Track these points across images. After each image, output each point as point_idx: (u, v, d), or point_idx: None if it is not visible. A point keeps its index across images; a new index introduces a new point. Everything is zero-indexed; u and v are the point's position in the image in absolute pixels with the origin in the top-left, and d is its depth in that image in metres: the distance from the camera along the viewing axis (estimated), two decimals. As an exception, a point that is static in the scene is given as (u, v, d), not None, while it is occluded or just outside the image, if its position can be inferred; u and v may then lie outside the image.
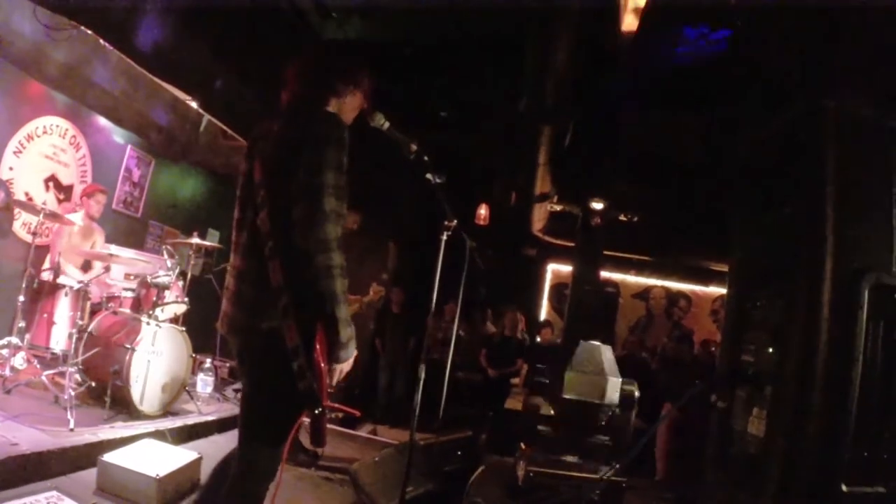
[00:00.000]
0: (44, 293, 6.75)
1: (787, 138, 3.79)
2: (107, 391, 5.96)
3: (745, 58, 5.44)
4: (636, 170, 9.74)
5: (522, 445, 5.41)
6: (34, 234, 6.41)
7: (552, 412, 5.84)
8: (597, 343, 5.60)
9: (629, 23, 6.10)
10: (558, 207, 11.22)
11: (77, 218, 7.18)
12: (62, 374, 5.93)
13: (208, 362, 7.92)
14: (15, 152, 7.65)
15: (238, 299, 2.84)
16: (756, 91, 4.61)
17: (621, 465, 4.70)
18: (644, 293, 13.80)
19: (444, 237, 4.30)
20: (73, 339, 6.06)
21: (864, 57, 3.67)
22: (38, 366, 6.07)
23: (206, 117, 9.18)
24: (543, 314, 13.84)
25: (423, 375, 4.36)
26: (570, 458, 5.28)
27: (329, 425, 2.57)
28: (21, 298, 6.41)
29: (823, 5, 3.69)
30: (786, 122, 3.82)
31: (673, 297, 13.63)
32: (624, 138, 9.17)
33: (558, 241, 12.59)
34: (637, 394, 5.40)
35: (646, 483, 6.98)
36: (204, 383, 7.79)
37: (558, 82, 7.58)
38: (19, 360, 6.21)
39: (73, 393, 5.48)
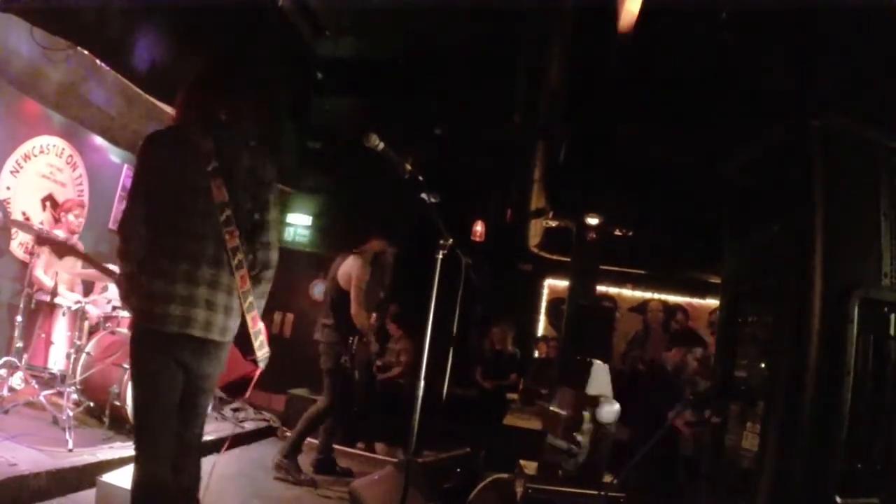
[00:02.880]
0: (41, 313, 6.77)
1: (774, 156, 3.83)
2: (105, 411, 6.00)
3: (734, 75, 5.50)
4: (630, 184, 9.79)
5: (521, 463, 5.43)
6: (31, 253, 6.44)
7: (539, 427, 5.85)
8: (590, 360, 5.61)
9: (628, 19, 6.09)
10: (553, 223, 11.26)
11: (59, 234, 7.18)
12: (60, 394, 5.94)
13: (206, 381, 7.90)
14: (12, 172, 7.69)
15: (206, 302, 3.22)
16: (744, 108, 4.66)
17: (619, 480, 4.72)
18: (641, 307, 13.81)
19: (441, 255, 4.33)
20: (72, 359, 6.10)
21: (851, 75, 3.73)
22: (36, 386, 6.08)
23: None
24: (541, 330, 13.85)
25: (421, 393, 4.39)
26: (564, 473, 5.29)
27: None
28: (19, 318, 6.44)
29: (809, 24, 3.74)
30: (773, 140, 3.86)
31: (670, 309, 13.63)
32: (618, 153, 9.23)
33: (554, 257, 12.63)
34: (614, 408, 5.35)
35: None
36: (201, 403, 7.77)
37: (551, 98, 7.63)
38: (17, 381, 6.24)
39: (71, 413, 5.51)
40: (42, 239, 4.33)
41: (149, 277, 3.16)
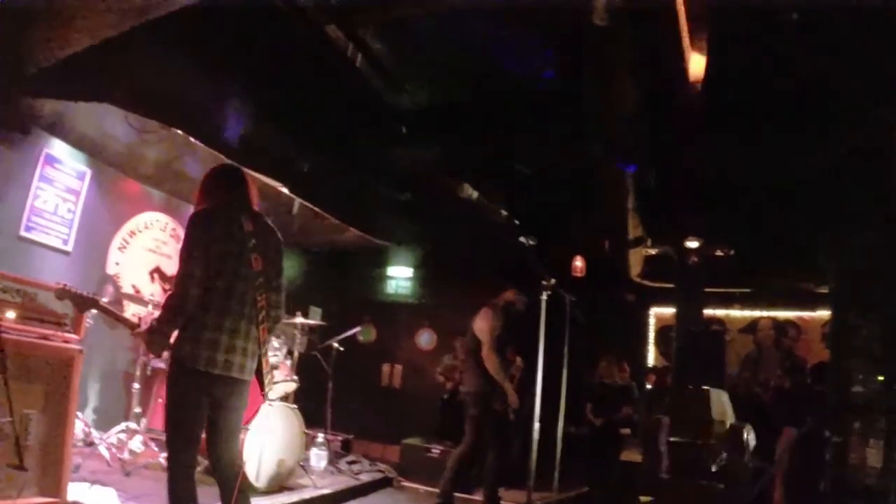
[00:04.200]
0: (157, 379, 7.05)
1: (858, 157, 3.73)
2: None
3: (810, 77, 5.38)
4: (724, 202, 9.59)
5: (642, 498, 5.34)
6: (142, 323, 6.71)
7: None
8: (705, 388, 5.50)
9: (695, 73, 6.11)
10: (653, 251, 11.10)
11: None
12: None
13: (321, 437, 8.06)
14: (119, 248, 8.10)
15: (242, 350, 3.93)
16: (824, 110, 4.55)
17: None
18: (751, 326, 13.40)
19: (545, 297, 4.35)
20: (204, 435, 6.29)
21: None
22: (155, 448, 6.35)
23: (298, 200, 9.45)
24: (651, 360, 13.56)
25: (536, 435, 4.38)
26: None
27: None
28: (136, 385, 6.77)
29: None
30: (856, 141, 3.76)
31: (781, 326, 13.16)
32: (706, 171, 9.08)
33: (658, 284, 12.41)
34: (748, 435, 5.25)
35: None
36: (317, 458, 7.92)
37: (631, 124, 7.59)
38: (137, 444, 6.54)
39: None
40: (62, 293, 4.60)
41: (199, 329, 3.81)
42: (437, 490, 7.02)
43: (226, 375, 3.85)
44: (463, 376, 7.19)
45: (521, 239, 4.22)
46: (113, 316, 4.64)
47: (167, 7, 4.34)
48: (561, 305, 4.80)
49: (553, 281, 4.39)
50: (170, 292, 3.98)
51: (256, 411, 6.39)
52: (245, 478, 6.18)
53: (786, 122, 6.95)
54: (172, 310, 3.86)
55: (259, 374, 4.14)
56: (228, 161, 7.20)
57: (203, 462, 6.24)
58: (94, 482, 5.64)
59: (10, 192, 6.90)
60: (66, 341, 4.89)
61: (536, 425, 4.43)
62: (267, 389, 4.23)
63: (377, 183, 10.54)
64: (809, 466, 6.46)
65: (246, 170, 7.48)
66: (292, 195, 8.71)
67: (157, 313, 4.38)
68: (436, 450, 9.23)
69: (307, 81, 7.93)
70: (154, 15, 4.40)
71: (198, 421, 3.93)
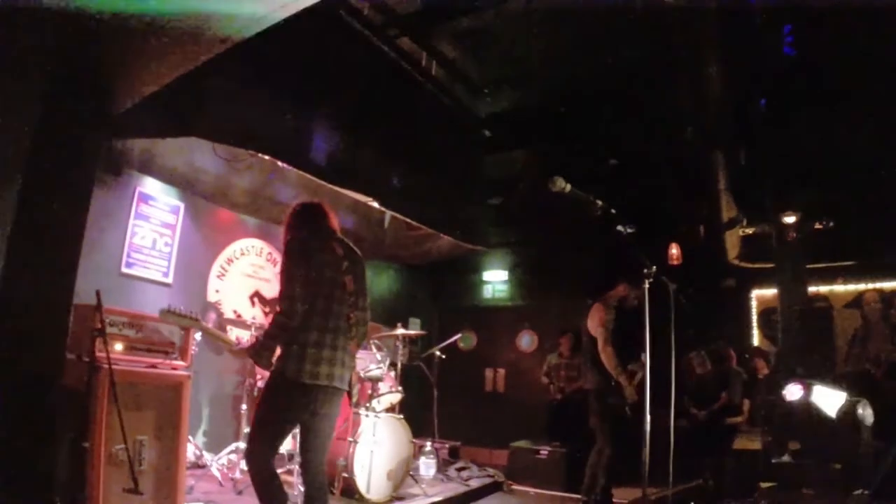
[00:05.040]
0: (264, 400, 7.17)
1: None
2: (335, 483, 6.23)
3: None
4: (820, 173, 9.28)
5: (760, 485, 5.18)
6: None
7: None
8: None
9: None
10: (750, 230, 10.78)
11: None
12: (290, 472, 6.31)
13: (428, 445, 8.10)
14: (218, 276, 8.30)
15: (341, 362, 4.26)
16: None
17: (872, 491, 4.39)
18: (856, 301, 12.91)
19: (647, 285, 4.25)
20: (297, 439, 6.37)
21: None
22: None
23: (388, 213, 9.51)
24: (756, 344, 13.17)
25: (648, 427, 4.29)
26: (807, 492, 5.00)
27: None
28: (244, 407, 6.93)
29: None
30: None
31: (888, 298, 12.65)
32: (799, 144, 8.81)
33: (757, 265, 12.04)
34: (864, 410, 5.02)
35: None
36: (427, 466, 7.98)
37: (718, 104, 7.42)
38: (247, 464, 6.63)
39: (302, 489, 5.72)
40: (166, 314, 4.79)
41: (303, 345, 4.12)
42: (547, 492, 6.96)
43: (327, 385, 4.16)
44: (584, 375, 7.13)
45: (619, 228, 4.11)
46: (214, 335, 4.81)
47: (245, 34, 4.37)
48: (664, 294, 4.67)
49: (654, 268, 4.28)
50: (276, 310, 4.27)
51: (349, 420, 6.58)
52: (356, 489, 6.32)
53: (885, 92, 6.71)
54: (279, 325, 4.17)
55: (348, 386, 4.47)
56: (318, 180, 7.32)
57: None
58: (207, 502, 5.84)
59: (108, 232, 7.17)
60: (174, 368, 5.10)
61: (647, 418, 4.31)
62: (354, 400, 4.76)
63: (467, 189, 10.54)
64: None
65: (335, 187, 7.66)
66: (383, 209, 8.75)
67: (259, 335, 4.51)
68: (544, 451, 9.14)
69: (387, 95, 8.01)
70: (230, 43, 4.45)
71: (283, 429, 4.34)
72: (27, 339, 4.07)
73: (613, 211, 4.08)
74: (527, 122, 11.18)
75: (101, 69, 4.60)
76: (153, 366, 4.93)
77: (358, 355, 7.78)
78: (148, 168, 7.52)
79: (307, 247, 4.38)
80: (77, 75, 4.44)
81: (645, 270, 4.24)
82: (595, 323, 6.81)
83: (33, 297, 4.15)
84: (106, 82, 4.71)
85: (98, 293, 4.33)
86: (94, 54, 4.45)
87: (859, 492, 4.45)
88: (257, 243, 9.10)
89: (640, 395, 6.35)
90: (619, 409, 6.64)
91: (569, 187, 3.93)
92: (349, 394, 4.59)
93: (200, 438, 7.31)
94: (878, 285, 12.55)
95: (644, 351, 4.47)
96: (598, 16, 7.73)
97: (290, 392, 4.15)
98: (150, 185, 7.68)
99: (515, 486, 8.76)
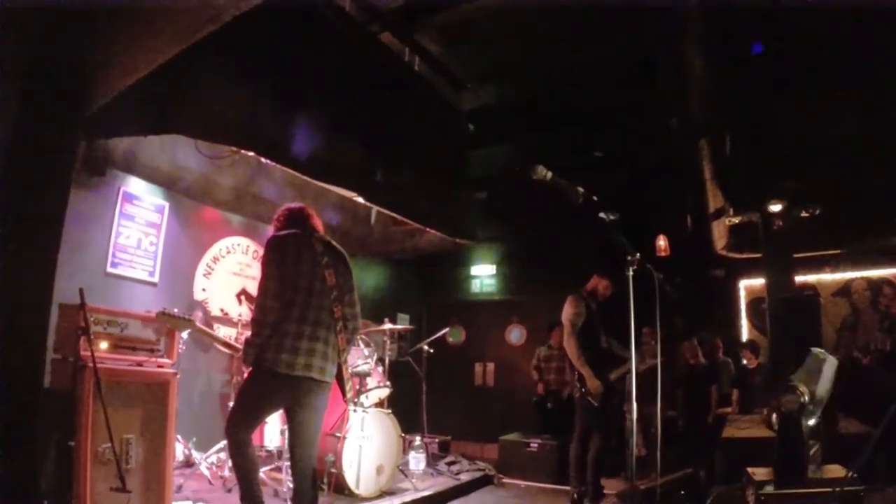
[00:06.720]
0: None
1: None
2: (324, 479, 6.22)
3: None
4: (804, 160, 9.29)
5: (749, 471, 5.18)
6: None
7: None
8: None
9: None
10: (736, 220, 10.78)
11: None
12: (279, 469, 6.38)
13: (418, 440, 8.09)
14: (205, 274, 8.30)
15: (322, 354, 4.37)
16: None
17: (855, 472, 4.39)
18: (844, 289, 12.94)
19: (630, 272, 4.23)
20: (285, 435, 6.38)
21: None
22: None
23: (374, 209, 9.47)
24: (745, 335, 13.18)
25: (634, 419, 4.29)
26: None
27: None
28: (231, 404, 6.84)
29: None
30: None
31: (876, 285, 12.69)
32: (783, 131, 8.82)
33: (745, 256, 12.04)
34: (802, 398, 4.93)
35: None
36: (416, 461, 7.95)
37: (700, 94, 7.42)
38: (237, 461, 6.62)
39: (291, 485, 5.72)
40: (162, 317, 4.86)
41: (281, 337, 4.26)
42: (538, 485, 6.99)
43: (304, 376, 4.28)
44: (568, 369, 7.23)
45: (602, 214, 4.10)
46: (210, 337, 4.86)
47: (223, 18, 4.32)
48: (650, 284, 4.64)
49: (638, 255, 4.26)
50: (252, 313, 4.46)
51: (341, 417, 6.67)
52: (346, 485, 6.31)
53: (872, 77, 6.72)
54: (256, 322, 4.37)
55: (340, 380, 4.62)
56: (303, 177, 7.30)
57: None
58: (196, 501, 5.83)
59: (93, 232, 7.17)
60: (160, 366, 5.07)
61: (634, 408, 4.30)
62: (349, 396, 4.74)
63: (453, 184, 10.53)
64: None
65: (320, 183, 7.62)
66: (369, 204, 8.72)
67: (246, 333, 4.53)
68: (534, 444, 9.17)
69: (371, 90, 7.96)
70: (211, 28, 4.39)
71: (259, 412, 4.56)
72: (6, 339, 4.03)
73: (595, 198, 4.06)
74: (511, 116, 11.18)
75: (76, 61, 4.55)
76: (139, 364, 4.92)
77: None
78: (132, 167, 7.48)
79: (283, 242, 4.54)
80: (53, 71, 4.41)
81: (629, 258, 4.21)
82: (564, 316, 6.95)
83: (12, 297, 4.12)
84: (81, 76, 4.65)
85: (81, 291, 4.33)
86: (68, 45, 4.41)
87: (849, 474, 4.45)
88: (243, 241, 9.09)
89: (626, 386, 6.38)
90: (585, 400, 6.74)
91: (550, 175, 3.93)
92: (343, 389, 4.68)
93: (190, 437, 7.28)
94: (866, 273, 12.59)
95: (629, 341, 4.45)
96: (579, 8, 7.74)
97: (264, 381, 4.30)
98: (135, 185, 7.66)
99: (506, 480, 8.77)
